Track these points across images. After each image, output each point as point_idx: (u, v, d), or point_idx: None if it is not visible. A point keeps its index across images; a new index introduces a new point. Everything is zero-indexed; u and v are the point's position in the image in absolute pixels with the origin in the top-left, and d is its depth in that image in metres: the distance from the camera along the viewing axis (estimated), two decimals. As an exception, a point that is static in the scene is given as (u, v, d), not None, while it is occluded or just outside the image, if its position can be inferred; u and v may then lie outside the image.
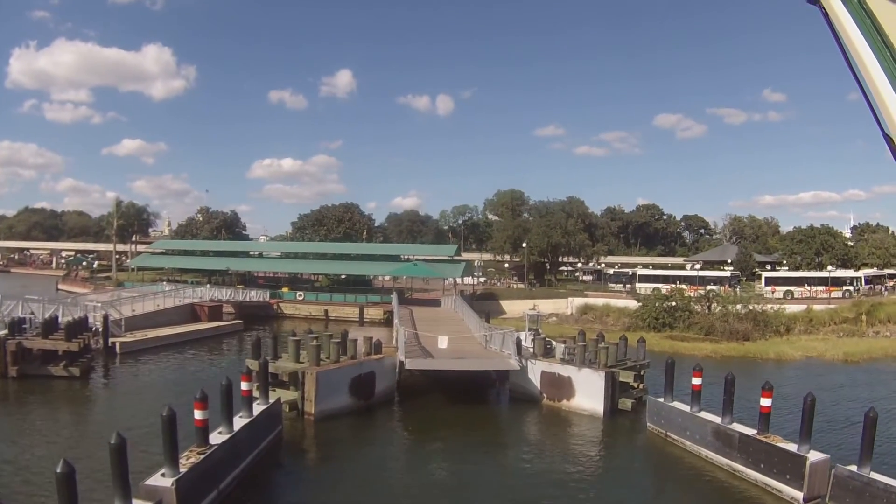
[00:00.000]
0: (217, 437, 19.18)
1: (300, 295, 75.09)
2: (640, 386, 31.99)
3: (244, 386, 21.86)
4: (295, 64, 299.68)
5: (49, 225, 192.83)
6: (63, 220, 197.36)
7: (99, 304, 46.59)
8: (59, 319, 40.61)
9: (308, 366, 28.37)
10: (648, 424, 27.67)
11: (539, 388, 31.90)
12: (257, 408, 22.86)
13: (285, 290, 76.85)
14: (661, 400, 27.01)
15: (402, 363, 31.39)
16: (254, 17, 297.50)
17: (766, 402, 22.07)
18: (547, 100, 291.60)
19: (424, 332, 37.07)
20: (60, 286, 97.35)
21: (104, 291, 70.92)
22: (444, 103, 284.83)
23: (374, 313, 67.43)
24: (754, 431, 22.26)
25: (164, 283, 77.13)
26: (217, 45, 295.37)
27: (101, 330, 43.01)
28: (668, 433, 26.26)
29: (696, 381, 25.16)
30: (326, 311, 69.99)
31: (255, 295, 70.97)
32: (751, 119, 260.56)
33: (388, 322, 61.14)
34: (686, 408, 25.61)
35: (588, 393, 30.00)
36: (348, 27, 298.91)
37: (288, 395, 28.21)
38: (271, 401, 24.39)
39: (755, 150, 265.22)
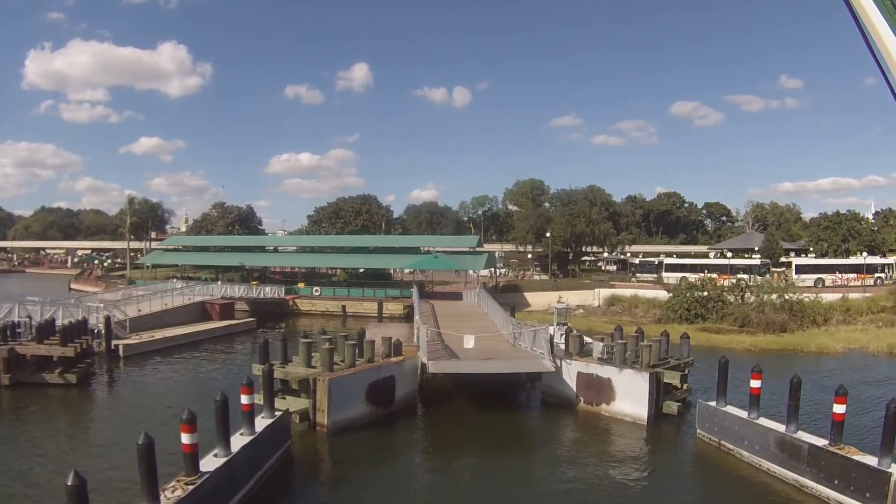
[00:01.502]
0: (211, 462, 16.50)
1: (316, 290, 72.28)
2: (685, 387, 29.08)
3: (244, 399, 19.09)
4: (310, 59, 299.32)
5: (65, 224, 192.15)
6: (80, 219, 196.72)
7: (101, 305, 44.12)
8: (58, 322, 38.27)
9: (320, 371, 25.57)
10: (699, 431, 24.84)
11: (575, 390, 28.89)
12: (261, 423, 20.23)
13: (301, 285, 74.06)
14: (714, 404, 24.18)
15: (424, 365, 28.39)
16: (268, 13, 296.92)
17: (839, 408, 19.34)
18: (563, 90, 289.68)
19: (448, 331, 34.29)
20: (73, 285, 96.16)
21: (116, 290, 68.76)
22: (461, 95, 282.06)
23: (393, 308, 64.70)
24: (825, 442, 19.50)
25: (174, 280, 74.74)
26: (232, 41, 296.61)
27: (103, 332, 40.72)
28: (722, 441, 23.45)
29: (755, 383, 22.32)
30: (344, 307, 67.56)
31: (269, 291, 68.34)
32: (768, 106, 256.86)
33: (408, 317, 58.47)
34: (743, 413, 22.81)
35: (630, 396, 27.04)
36: (363, 21, 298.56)
37: (299, 403, 25.65)
38: (278, 413, 21.75)
39: (773, 137, 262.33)
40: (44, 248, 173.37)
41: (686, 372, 29.29)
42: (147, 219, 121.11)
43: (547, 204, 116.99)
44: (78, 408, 30.23)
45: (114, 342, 41.00)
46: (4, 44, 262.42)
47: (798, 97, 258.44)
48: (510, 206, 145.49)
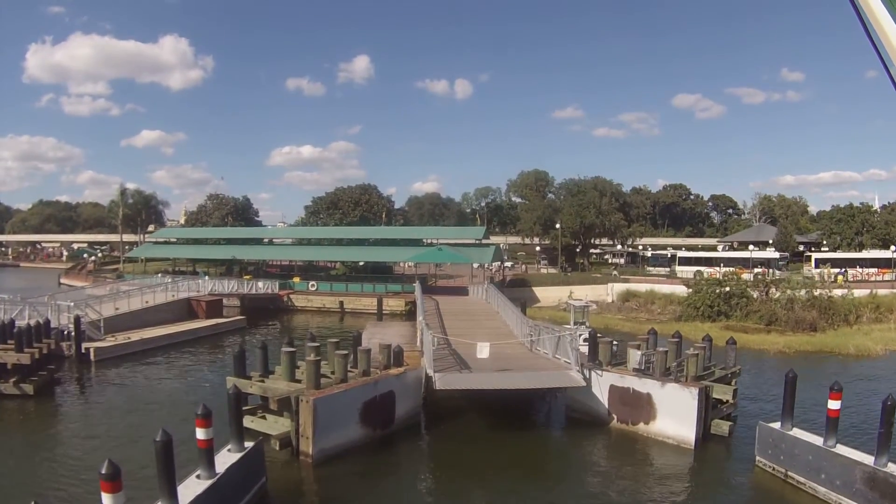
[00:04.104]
0: (151, 524, 12.54)
1: (312, 285, 68.47)
2: (732, 401, 24.87)
3: (201, 434, 14.95)
4: (312, 51, 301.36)
5: (63, 217, 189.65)
6: (78, 213, 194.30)
7: (72, 304, 40.07)
8: (20, 323, 34.24)
9: (305, 388, 21.38)
10: (758, 458, 20.74)
11: (606, 406, 24.64)
12: (227, 458, 16.13)
13: (296, 279, 70.25)
14: (778, 426, 20.10)
15: (429, 377, 24.10)
16: (269, 5, 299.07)
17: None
18: (565, 82, 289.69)
19: (456, 333, 30.19)
20: (64, 280, 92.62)
21: (103, 285, 64.76)
22: (463, 87, 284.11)
23: (394, 304, 60.64)
24: (930, 480, 15.52)
25: (159, 275, 70.74)
26: (233, 34, 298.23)
27: (73, 334, 36.85)
28: (790, 473, 19.33)
29: (834, 404, 18.28)
30: (341, 303, 63.39)
31: (262, 286, 63.98)
32: (769, 99, 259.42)
33: (410, 315, 54.54)
34: (816, 440, 18.74)
35: (674, 414, 22.82)
36: (364, 12, 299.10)
37: (280, 425, 21.61)
38: (249, 445, 17.43)
39: (774, 129, 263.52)
40: (40, 242, 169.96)
41: (734, 384, 25.15)
42: (141, 211, 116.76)
43: (551, 195, 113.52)
44: (29, 424, 26.06)
45: (84, 345, 36.95)
46: (5, 38, 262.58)
47: (799, 90, 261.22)
48: (514, 198, 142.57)
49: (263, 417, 22.57)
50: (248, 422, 22.35)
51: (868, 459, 17.11)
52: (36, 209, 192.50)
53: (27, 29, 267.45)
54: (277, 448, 20.66)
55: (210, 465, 15.13)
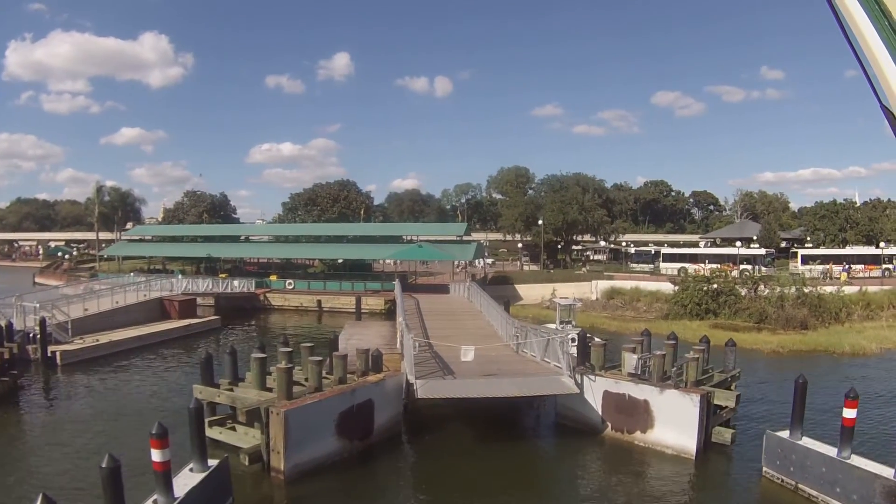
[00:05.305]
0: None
1: (290, 283, 66.73)
2: (734, 407, 23.44)
3: (156, 456, 13.34)
4: (292, 48, 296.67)
5: (41, 215, 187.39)
6: (56, 210, 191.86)
7: (38, 305, 38.24)
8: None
9: (276, 398, 19.71)
10: (765, 469, 19.46)
11: (600, 413, 23.14)
12: (188, 479, 14.53)
13: (273, 278, 68.47)
14: (787, 435, 18.79)
15: (410, 384, 22.50)
16: (249, 3, 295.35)
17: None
18: (545, 79, 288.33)
19: (438, 334, 28.66)
20: (38, 279, 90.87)
21: (77, 284, 62.73)
22: (443, 85, 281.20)
23: (373, 303, 59.00)
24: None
25: (132, 273, 68.82)
26: (213, 31, 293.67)
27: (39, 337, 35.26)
28: (801, 485, 18.10)
29: (850, 413, 17.07)
30: (319, 302, 61.68)
31: (237, 285, 62.16)
32: (749, 97, 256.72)
33: (389, 314, 53.08)
34: (829, 450, 17.50)
35: (673, 422, 21.38)
36: (344, 10, 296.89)
37: (250, 437, 20.02)
38: (213, 463, 15.76)
39: (754, 127, 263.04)
40: (17, 241, 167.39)
41: (735, 389, 23.81)
42: (118, 208, 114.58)
43: (531, 191, 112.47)
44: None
45: (51, 348, 35.37)
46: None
47: (779, 88, 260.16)
48: (494, 194, 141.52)
49: (233, 428, 21.00)
50: (217, 433, 20.90)
51: (888, 472, 15.93)
52: (14, 207, 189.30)
53: (7, 26, 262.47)
54: (247, 463, 18.95)
55: (168, 488, 13.54)
